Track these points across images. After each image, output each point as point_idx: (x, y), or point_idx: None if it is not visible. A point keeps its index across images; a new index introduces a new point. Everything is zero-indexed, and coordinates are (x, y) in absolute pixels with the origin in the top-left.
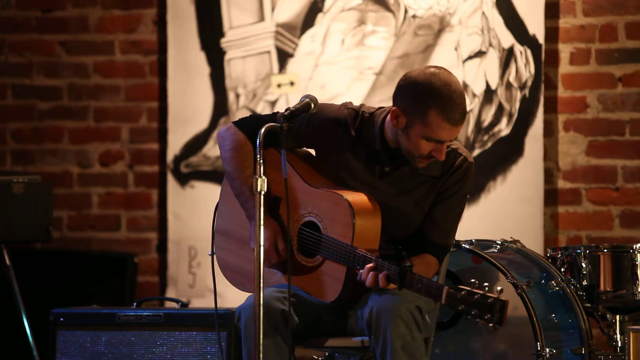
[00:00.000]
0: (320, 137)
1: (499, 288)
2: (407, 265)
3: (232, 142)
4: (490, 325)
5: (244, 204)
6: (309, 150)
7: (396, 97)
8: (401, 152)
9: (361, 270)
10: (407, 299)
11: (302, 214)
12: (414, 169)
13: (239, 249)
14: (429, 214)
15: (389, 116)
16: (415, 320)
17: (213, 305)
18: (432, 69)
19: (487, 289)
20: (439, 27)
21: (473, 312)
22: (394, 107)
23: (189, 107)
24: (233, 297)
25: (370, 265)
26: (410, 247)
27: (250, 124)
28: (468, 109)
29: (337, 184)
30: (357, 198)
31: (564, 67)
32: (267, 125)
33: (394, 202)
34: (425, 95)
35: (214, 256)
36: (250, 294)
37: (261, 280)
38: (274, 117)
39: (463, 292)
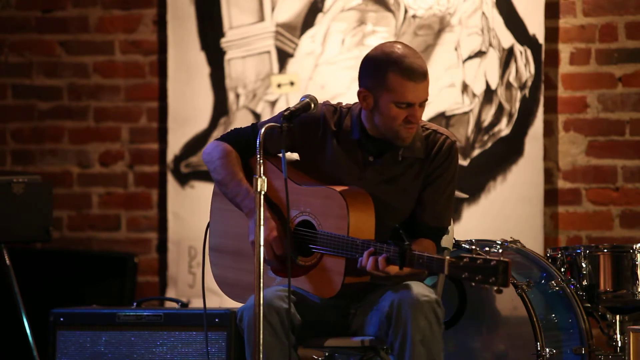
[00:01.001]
0: (302, 136)
1: (500, 250)
2: (406, 244)
3: (219, 152)
4: (495, 288)
5: (241, 203)
6: (293, 154)
7: (359, 79)
8: (383, 139)
9: (361, 258)
10: (428, 292)
11: (295, 214)
12: (396, 155)
13: (235, 262)
14: (419, 199)
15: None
16: (436, 315)
17: (213, 305)
18: (383, 42)
19: (487, 254)
20: (439, 27)
21: (477, 278)
22: (359, 90)
23: (189, 107)
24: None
25: (370, 250)
26: (405, 233)
27: (232, 137)
28: (468, 109)
29: (325, 180)
30: (349, 190)
31: (564, 67)
32: (267, 125)
33: (381, 190)
34: (380, 63)
35: (211, 272)
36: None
37: (261, 280)
38: (254, 128)
39: (465, 260)
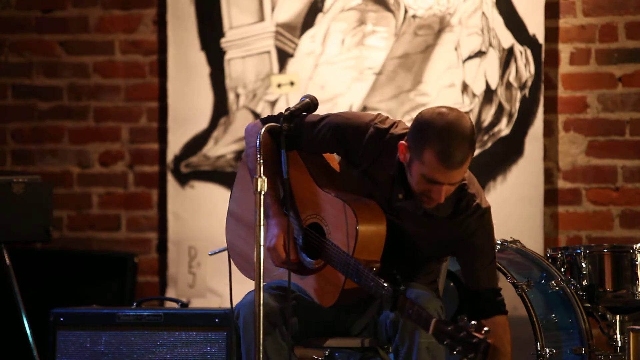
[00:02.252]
0: (343, 147)
1: (485, 329)
2: (401, 289)
3: (258, 139)
4: None
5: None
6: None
7: (409, 132)
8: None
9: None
10: (435, 299)
11: (310, 214)
12: (431, 210)
13: (246, 234)
14: (468, 269)
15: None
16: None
17: (214, 306)
18: (443, 109)
19: (474, 328)
20: (439, 27)
21: (457, 349)
22: (402, 142)
23: (189, 107)
24: (233, 298)
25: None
26: (407, 274)
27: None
28: (468, 109)
29: (347, 190)
30: (363, 207)
31: (564, 67)
32: (267, 125)
33: (401, 227)
34: (424, 134)
35: (225, 235)
36: (249, 290)
37: (261, 282)
38: (299, 123)
39: (450, 328)
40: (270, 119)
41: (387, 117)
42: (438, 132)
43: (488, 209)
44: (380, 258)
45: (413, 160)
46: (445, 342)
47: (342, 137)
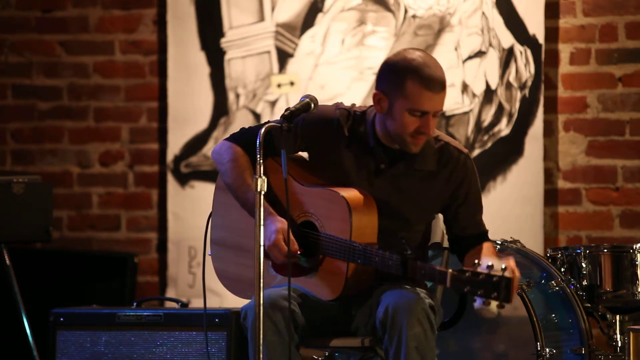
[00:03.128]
0: (314, 138)
1: (502, 266)
2: (409, 254)
3: (230, 155)
4: (497, 304)
5: (251, 211)
6: (303, 154)
7: (376, 83)
8: (396, 148)
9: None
10: (422, 298)
11: (298, 214)
12: (409, 165)
13: (237, 257)
14: (456, 218)
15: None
16: (430, 321)
17: (214, 306)
18: (405, 49)
19: (491, 269)
20: (439, 27)
21: (479, 292)
22: (374, 92)
23: (189, 107)
24: (233, 298)
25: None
26: (409, 243)
27: (243, 136)
28: (468, 109)
29: (332, 183)
30: (352, 194)
31: (564, 67)
32: (267, 125)
33: (391, 199)
34: (401, 69)
35: (212, 264)
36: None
37: (261, 280)
38: (263, 127)
39: (467, 274)
40: (234, 136)
41: (342, 103)
42: (414, 63)
43: (469, 155)
44: (377, 237)
45: (394, 101)
46: (466, 290)
47: (312, 128)
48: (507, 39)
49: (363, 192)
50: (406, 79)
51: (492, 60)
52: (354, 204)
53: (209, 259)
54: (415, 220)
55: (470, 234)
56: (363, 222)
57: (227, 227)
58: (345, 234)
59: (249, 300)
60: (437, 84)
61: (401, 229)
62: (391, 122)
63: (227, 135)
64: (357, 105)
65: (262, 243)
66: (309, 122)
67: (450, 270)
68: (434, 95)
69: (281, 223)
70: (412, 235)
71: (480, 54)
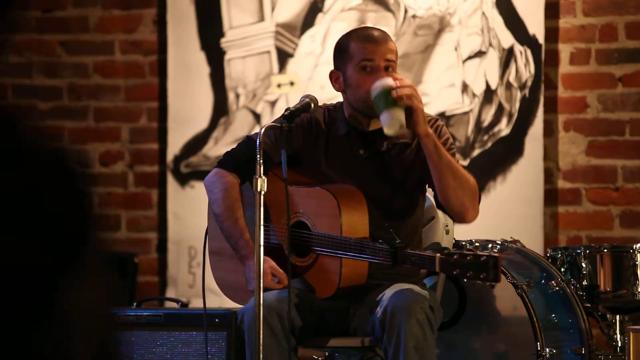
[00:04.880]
0: (298, 139)
1: (489, 245)
2: (398, 242)
3: (222, 184)
4: (487, 284)
5: (235, 246)
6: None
7: (333, 61)
8: (369, 131)
9: None
10: (421, 298)
11: (290, 216)
12: (384, 142)
13: (236, 265)
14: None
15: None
16: (429, 321)
17: (213, 306)
18: None
19: (477, 249)
20: (439, 27)
21: (468, 274)
22: (329, 74)
23: (189, 107)
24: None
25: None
26: (398, 228)
27: (231, 160)
28: (468, 109)
29: (319, 180)
30: (340, 189)
31: (564, 67)
32: (267, 125)
33: (374, 187)
34: (343, 40)
35: (213, 275)
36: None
37: (261, 280)
38: (249, 142)
39: (455, 256)
40: (223, 162)
41: None
42: (353, 31)
43: (438, 118)
44: (368, 232)
45: (345, 70)
46: (455, 272)
47: (296, 132)
48: (507, 39)
49: (351, 188)
50: (349, 43)
51: (492, 60)
52: (342, 199)
53: (209, 259)
54: (399, 206)
55: None
56: (354, 217)
57: (222, 237)
58: (335, 230)
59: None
60: (378, 36)
61: (388, 218)
62: (350, 92)
63: (226, 135)
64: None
65: (261, 243)
66: (292, 127)
67: (438, 255)
68: (378, 46)
69: (266, 267)
70: (400, 223)
71: (480, 54)
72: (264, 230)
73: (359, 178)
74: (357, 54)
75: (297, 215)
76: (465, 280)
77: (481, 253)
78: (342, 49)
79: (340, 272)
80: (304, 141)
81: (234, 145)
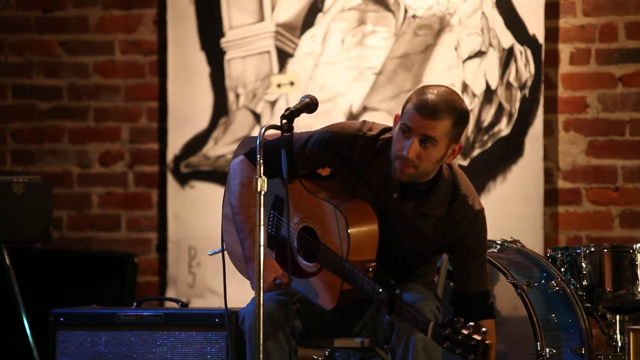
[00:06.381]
0: (335, 159)
1: (483, 329)
2: (396, 293)
3: (242, 177)
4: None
5: (242, 243)
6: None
7: None
8: (410, 184)
9: None
10: (431, 299)
11: (302, 218)
12: (418, 206)
13: None
14: (460, 270)
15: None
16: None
17: (213, 305)
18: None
19: (471, 330)
20: (439, 27)
21: (458, 351)
22: (397, 114)
23: (189, 107)
24: (234, 298)
25: None
26: (402, 275)
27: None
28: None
29: (337, 196)
30: (354, 208)
31: (564, 67)
32: (267, 125)
33: (396, 228)
34: (412, 93)
35: (224, 239)
36: (249, 293)
37: (261, 281)
38: (284, 143)
39: (448, 330)
40: (251, 154)
41: (373, 123)
42: (421, 89)
43: (481, 211)
44: (375, 257)
45: (397, 120)
46: (445, 345)
47: (334, 149)
48: (507, 39)
49: (364, 205)
50: (409, 99)
51: (492, 60)
52: (353, 221)
53: (211, 258)
54: (414, 253)
55: (463, 291)
56: (362, 239)
57: None
58: (342, 252)
59: (247, 303)
60: (429, 109)
61: (401, 255)
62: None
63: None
64: (386, 129)
65: (262, 243)
66: (332, 143)
67: (432, 322)
68: (423, 119)
69: (270, 265)
70: (413, 259)
71: (480, 54)
72: (276, 221)
73: (383, 216)
74: (405, 114)
75: (308, 221)
76: (454, 355)
77: (473, 336)
78: (406, 100)
79: (341, 289)
80: (340, 163)
81: (252, 142)
